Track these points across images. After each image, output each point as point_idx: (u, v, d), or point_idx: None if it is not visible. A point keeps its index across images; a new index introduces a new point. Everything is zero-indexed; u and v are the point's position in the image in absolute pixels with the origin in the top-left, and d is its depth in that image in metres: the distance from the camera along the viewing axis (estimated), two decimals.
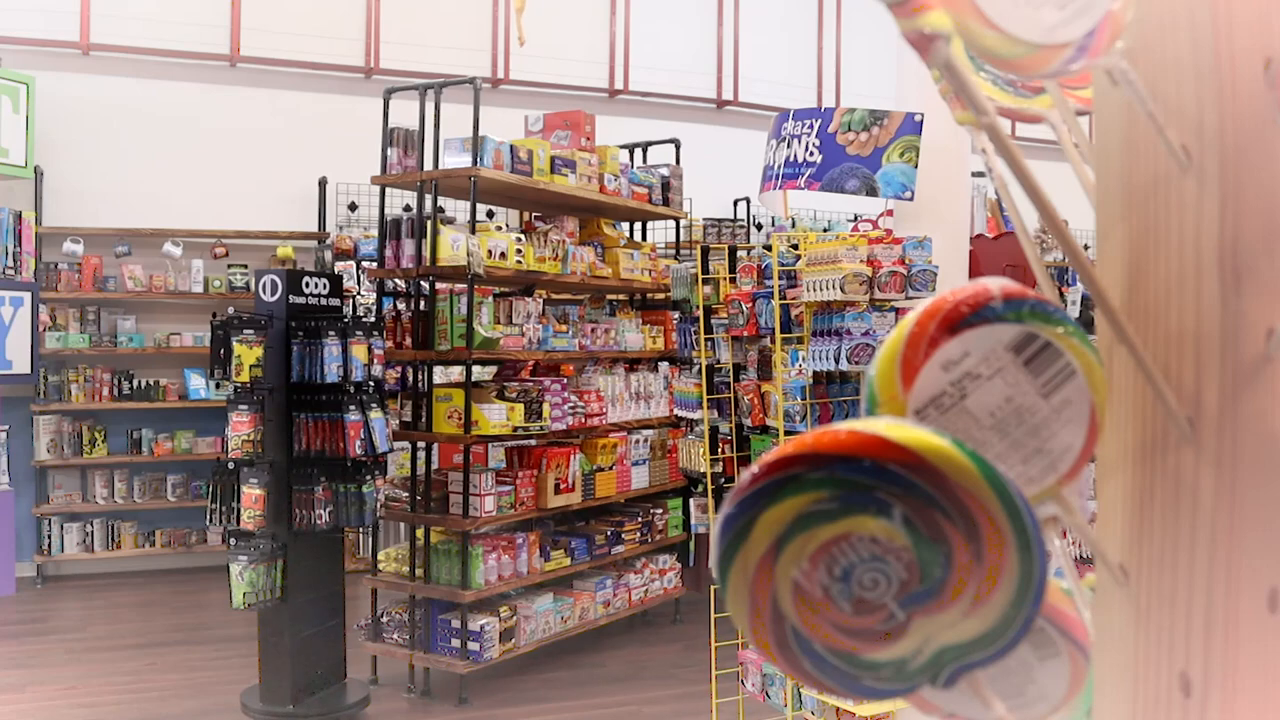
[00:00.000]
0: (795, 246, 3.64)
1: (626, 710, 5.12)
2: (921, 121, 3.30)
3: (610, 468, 6.26)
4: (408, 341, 5.38)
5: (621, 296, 7.14)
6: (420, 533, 5.34)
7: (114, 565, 7.93)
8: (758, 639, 0.50)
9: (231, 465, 4.68)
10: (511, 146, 5.50)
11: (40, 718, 4.89)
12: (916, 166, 3.29)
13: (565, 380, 6.09)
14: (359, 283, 8.14)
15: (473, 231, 5.32)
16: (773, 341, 3.55)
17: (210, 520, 4.75)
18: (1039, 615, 0.50)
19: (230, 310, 6.80)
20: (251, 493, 4.62)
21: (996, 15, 0.43)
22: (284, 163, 8.31)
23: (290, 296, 4.86)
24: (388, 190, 5.59)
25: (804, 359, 3.43)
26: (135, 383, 7.94)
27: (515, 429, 5.47)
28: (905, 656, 0.49)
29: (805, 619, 0.49)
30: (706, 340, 3.99)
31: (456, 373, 6.75)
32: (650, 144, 7.28)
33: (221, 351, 4.71)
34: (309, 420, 4.82)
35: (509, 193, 5.81)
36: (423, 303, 5.39)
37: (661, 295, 6.71)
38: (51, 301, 7.76)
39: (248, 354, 4.66)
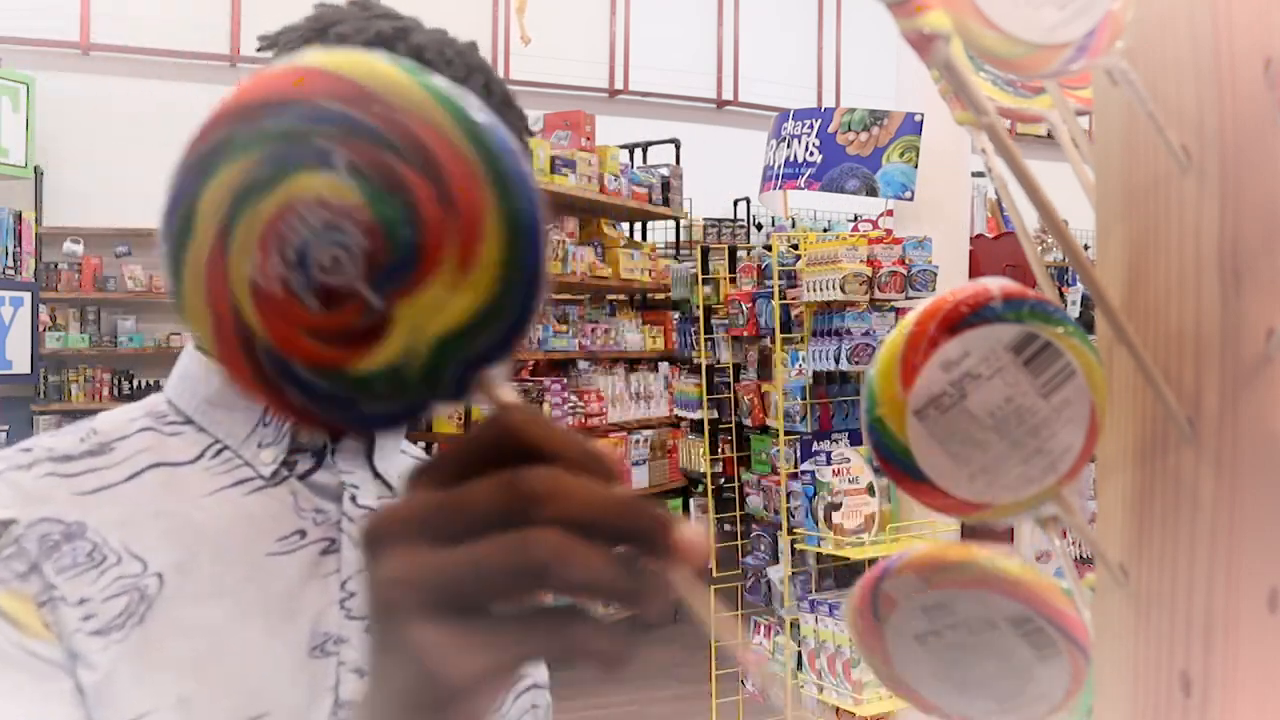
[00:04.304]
0: (795, 246, 3.64)
1: (626, 710, 5.12)
2: (921, 121, 3.30)
3: None
4: None
5: (621, 296, 7.15)
6: None
7: None
8: (231, 367, 0.40)
9: None
10: None
11: None
12: (916, 166, 3.30)
13: (565, 380, 6.10)
14: None
15: None
16: (773, 341, 3.55)
17: None
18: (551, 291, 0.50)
19: None
20: None
21: (996, 15, 0.43)
22: None
23: None
24: None
25: (804, 359, 3.43)
26: (135, 383, 7.94)
27: None
28: (398, 361, 0.39)
29: (274, 330, 0.39)
30: (706, 340, 3.99)
31: None
32: (650, 144, 7.28)
33: None
34: None
35: None
36: None
37: (661, 295, 6.72)
38: (51, 301, 7.76)
39: None
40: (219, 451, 0.79)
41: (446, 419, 5.27)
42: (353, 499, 0.80)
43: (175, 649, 0.70)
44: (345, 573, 0.77)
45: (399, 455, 0.88)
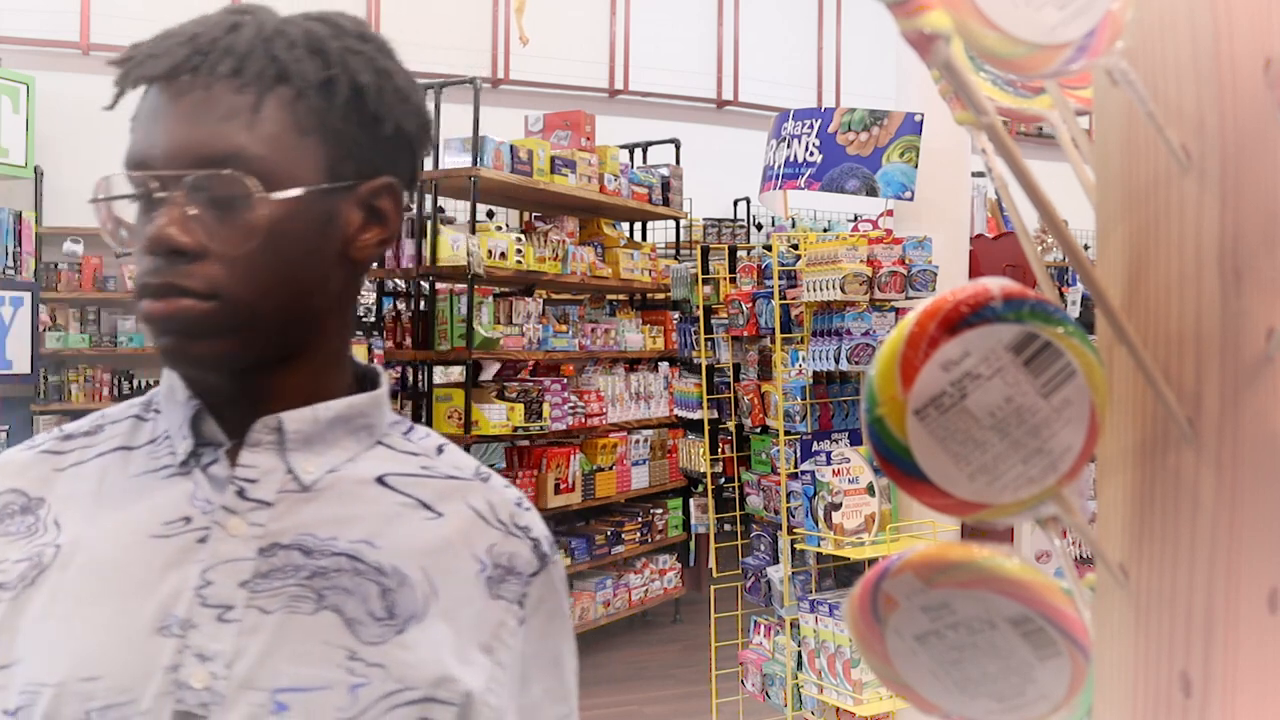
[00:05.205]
0: (795, 246, 3.64)
1: (626, 710, 5.12)
2: (921, 121, 3.30)
3: (610, 468, 6.26)
4: (408, 341, 5.38)
5: (621, 296, 7.14)
6: None
7: None
8: None
9: None
10: (511, 146, 5.50)
11: None
12: (916, 166, 3.29)
13: (565, 380, 6.09)
14: None
15: (473, 231, 5.32)
16: (773, 341, 3.55)
17: None
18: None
19: None
20: None
21: (996, 15, 0.43)
22: None
23: None
24: None
25: (804, 359, 3.43)
26: (135, 383, 7.94)
27: (515, 429, 5.47)
28: None
29: None
30: (706, 340, 3.99)
31: (456, 373, 6.76)
32: (650, 144, 7.28)
33: None
34: None
35: (509, 193, 5.81)
36: (423, 303, 5.39)
37: (661, 295, 6.71)
38: (51, 301, 7.76)
39: None
40: (164, 439, 0.88)
41: (446, 418, 5.27)
42: (239, 493, 0.83)
43: (44, 609, 0.80)
44: (208, 562, 0.81)
45: (373, 449, 0.90)
